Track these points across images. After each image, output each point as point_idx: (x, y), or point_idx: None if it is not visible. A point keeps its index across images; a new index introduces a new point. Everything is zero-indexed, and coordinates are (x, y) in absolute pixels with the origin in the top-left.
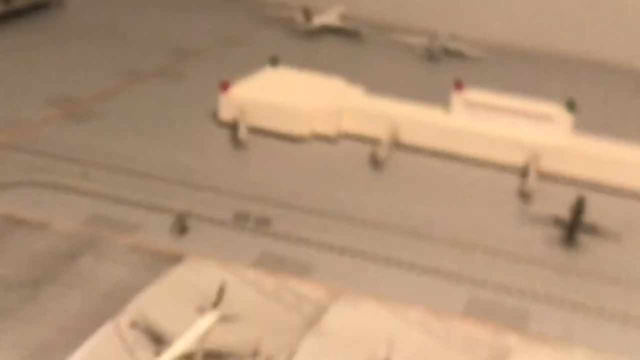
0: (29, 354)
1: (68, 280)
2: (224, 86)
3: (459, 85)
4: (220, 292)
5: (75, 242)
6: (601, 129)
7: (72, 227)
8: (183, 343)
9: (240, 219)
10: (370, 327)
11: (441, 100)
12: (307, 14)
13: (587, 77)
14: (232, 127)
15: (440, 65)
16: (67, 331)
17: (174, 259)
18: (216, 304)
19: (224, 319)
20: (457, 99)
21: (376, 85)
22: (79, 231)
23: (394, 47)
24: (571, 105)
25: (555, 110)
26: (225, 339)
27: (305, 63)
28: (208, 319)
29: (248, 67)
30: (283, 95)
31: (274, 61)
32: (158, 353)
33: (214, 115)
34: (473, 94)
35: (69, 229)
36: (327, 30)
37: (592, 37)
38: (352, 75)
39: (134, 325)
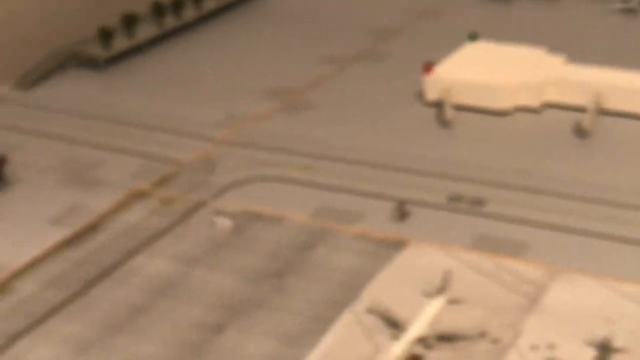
0: (281, 341)
1: (307, 271)
2: (427, 68)
3: None
4: (447, 277)
5: (308, 233)
6: None
7: (304, 219)
8: (417, 328)
9: (454, 201)
10: (589, 306)
11: None
12: None
13: None
14: (438, 106)
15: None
16: (312, 319)
17: (398, 245)
18: (443, 288)
19: (451, 302)
20: None
21: (575, 46)
22: (310, 223)
23: (589, 3)
24: None
25: None
26: (454, 322)
27: (503, 28)
28: (437, 303)
29: (447, 41)
30: (485, 71)
31: (473, 36)
32: (394, 337)
33: (420, 96)
34: None
35: (301, 221)
36: None
37: None
38: (551, 37)
39: (370, 311)
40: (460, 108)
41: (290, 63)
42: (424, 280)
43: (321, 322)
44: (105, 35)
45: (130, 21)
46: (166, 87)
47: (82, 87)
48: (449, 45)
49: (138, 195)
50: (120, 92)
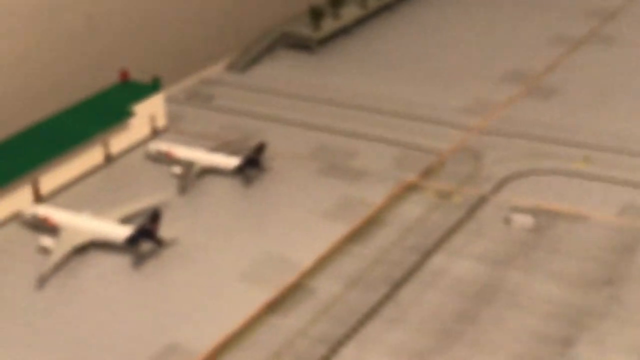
0: None
1: (636, 276)
2: None
3: None
4: None
5: (621, 235)
6: None
7: (611, 218)
8: None
9: None
10: None
11: None
12: None
13: None
14: None
15: None
16: None
17: None
18: None
19: None
20: None
21: None
22: (621, 223)
23: None
24: None
25: None
26: None
27: None
28: None
29: None
30: None
31: None
32: None
33: None
34: None
35: (609, 221)
36: None
37: None
38: None
39: None
40: None
41: (516, 45)
42: None
43: None
44: (316, 15)
45: (337, 1)
46: (385, 70)
47: (297, 70)
48: None
49: (410, 188)
50: (339, 75)
